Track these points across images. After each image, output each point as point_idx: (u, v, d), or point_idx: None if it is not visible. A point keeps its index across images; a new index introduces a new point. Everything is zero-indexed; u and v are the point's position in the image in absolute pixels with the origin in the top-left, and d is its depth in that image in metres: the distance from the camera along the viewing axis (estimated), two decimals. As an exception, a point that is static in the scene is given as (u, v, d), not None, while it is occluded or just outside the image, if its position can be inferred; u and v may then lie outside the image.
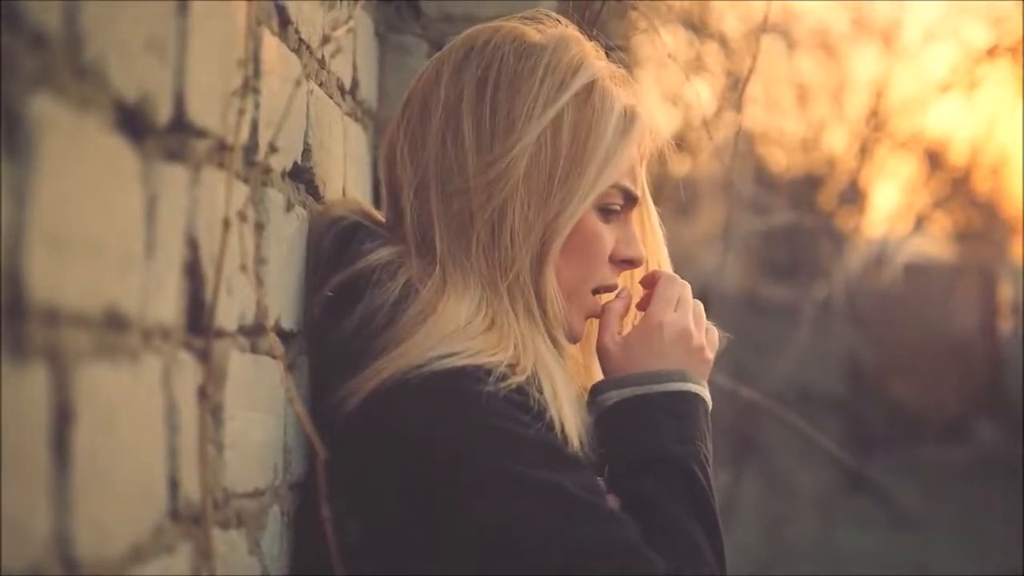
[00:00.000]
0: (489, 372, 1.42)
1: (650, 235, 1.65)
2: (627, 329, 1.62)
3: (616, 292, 1.62)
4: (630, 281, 1.65)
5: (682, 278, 1.63)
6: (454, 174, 1.53)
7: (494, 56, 1.55)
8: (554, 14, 1.63)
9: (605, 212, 1.57)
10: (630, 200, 1.59)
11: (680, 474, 1.51)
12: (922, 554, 7.12)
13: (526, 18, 1.60)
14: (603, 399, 1.56)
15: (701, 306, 1.64)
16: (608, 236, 1.57)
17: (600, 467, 1.52)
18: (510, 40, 1.56)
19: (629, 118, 1.56)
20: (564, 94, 1.53)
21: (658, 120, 1.62)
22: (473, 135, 1.53)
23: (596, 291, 1.59)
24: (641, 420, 1.54)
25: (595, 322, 1.62)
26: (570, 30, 1.60)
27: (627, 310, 1.62)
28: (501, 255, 1.51)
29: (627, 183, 1.57)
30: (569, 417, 1.46)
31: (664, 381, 1.55)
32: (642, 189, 1.61)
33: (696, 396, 1.57)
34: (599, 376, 1.61)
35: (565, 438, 1.45)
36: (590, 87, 1.54)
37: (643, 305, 1.63)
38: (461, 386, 1.41)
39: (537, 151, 1.52)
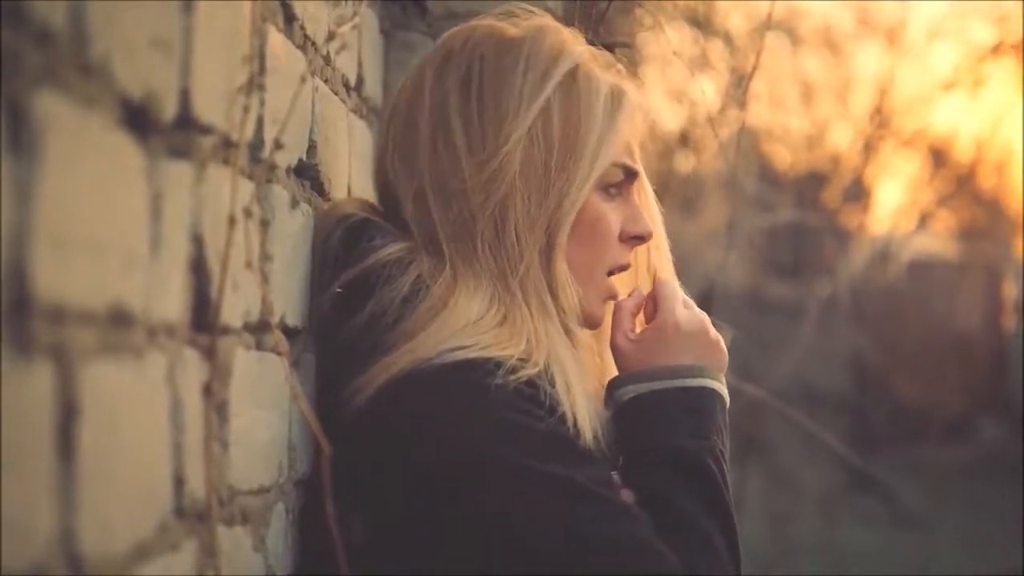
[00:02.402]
0: (499, 365, 1.42)
1: (648, 211, 1.65)
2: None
3: (629, 293, 1.62)
4: (635, 279, 1.65)
5: (686, 275, 1.63)
6: (449, 177, 1.52)
7: (474, 55, 1.55)
8: (528, 5, 1.63)
9: (607, 192, 1.57)
10: (630, 176, 1.59)
11: (695, 469, 1.50)
12: (925, 553, 7.11)
13: (501, 14, 1.60)
14: (619, 394, 1.56)
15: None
16: (613, 216, 1.57)
17: (615, 462, 1.52)
18: (487, 38, 1.56)
19: (617, 97, 1.56)
20: (548, 83, 1.53)
21: (647, 97, 1.61)
22: (463, 136, 1.52)
23: (610, 272, 1.59)
24: (656, 415, 1.53)
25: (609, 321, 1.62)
26: (546, 19, 1.60)
27: (639, 308, 1.62)
28: (508, 251, 1.51)
29: (625, 160, 1.57)
30: (582, 410, 1.45)
31: (680, 376, 1.55)
32: (639, 164, 1.61)
33: (713, 392, 1.56)
34: (615, 371, 1.61)
35: (578, 432, 1.44)
36: (573, 73, 1.54)
37: (649, 314, 1.62)
38: (470, 378, 1.41)
39: (530, 144, 1.51)
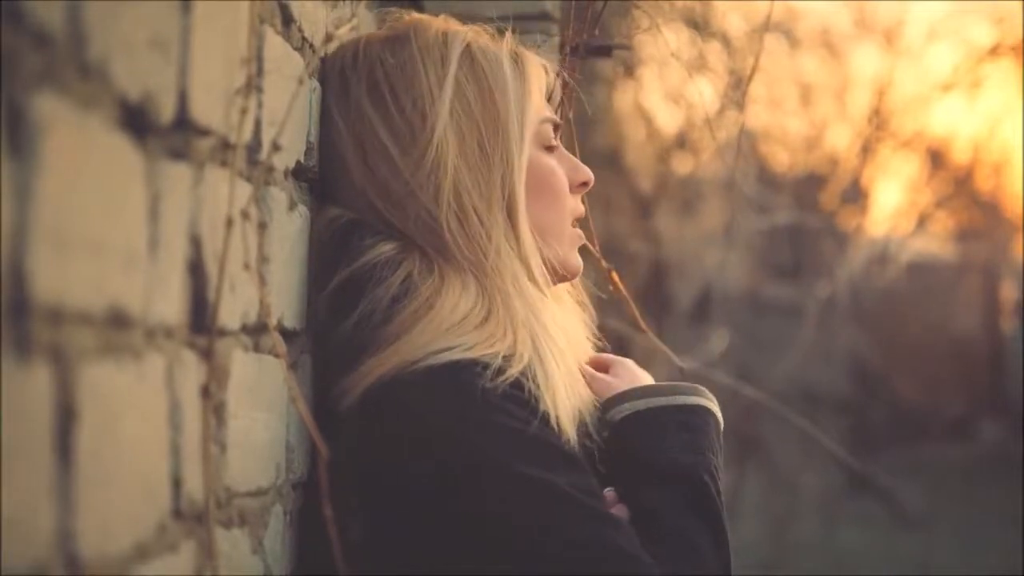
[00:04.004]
0: (486, 366, 1.42)
1: None
2: None
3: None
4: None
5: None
6: (392, 184, 1.53)
7: (371, 62, 1.57)
8: (392, 7, 1.67)
9: (548, 146, 1.61)
10: (557, 128, 1.63)
11: (690, 484, 1.50)
12: (924, 553, 7.11)
13: (380, 23, 1.64)
14: (614, 413, 1.56)
15: None
16: (559, 168, 1.62)
17: (605, 461, 1.52)
18: (375, 44, 1.58)
19: (518, 59, 1.60)
20: (450, 66, 1.55)
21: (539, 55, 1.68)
22: (392, 139, 1.53)
23: (572, 224, 1.64)
24: (652, 431, 1.54)
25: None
26: (412, 14, 1.63)
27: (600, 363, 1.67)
28: (475, 235, 1.52)
29: (549, 114, 1.62)
30: (563, 404, 1.45)
31: (676, 394, 1.56)
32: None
33: (707, 410, 1.57)
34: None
35: (561, 430, 1.44)
36: (468, 51, 1.57)
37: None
38: (457, 380, 1.41)
39: (457, 126, 1.53)
